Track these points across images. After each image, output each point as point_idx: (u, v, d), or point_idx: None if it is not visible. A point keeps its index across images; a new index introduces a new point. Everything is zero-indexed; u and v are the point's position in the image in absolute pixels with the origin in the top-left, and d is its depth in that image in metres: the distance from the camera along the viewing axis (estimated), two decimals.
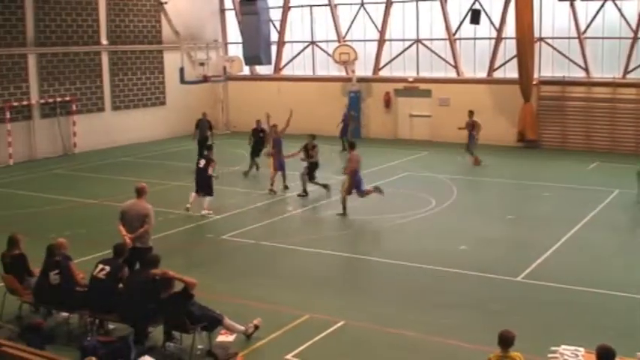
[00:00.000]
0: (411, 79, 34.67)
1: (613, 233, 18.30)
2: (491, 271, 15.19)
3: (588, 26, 30.82)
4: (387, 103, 35.23)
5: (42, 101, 31.16)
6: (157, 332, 11.79)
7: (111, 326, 12.20)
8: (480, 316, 12.83)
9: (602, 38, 30.83)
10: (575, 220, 19.04)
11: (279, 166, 23.47)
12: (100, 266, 12.09)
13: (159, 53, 36.37)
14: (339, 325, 12.46)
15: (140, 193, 13.88)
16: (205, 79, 34.04)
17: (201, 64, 33.89)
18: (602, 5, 30.28)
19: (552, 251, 16.54)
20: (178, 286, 11.42)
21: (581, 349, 9.63)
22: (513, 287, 14.45)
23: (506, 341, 8.79)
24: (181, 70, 33.19)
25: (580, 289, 14.13)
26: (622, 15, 29.92)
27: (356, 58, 35.21)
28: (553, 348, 9.83)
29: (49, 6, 31.31)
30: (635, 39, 29.89)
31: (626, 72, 30.28)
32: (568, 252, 16.63)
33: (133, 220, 13.56)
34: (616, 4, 29.96)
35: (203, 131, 28.01)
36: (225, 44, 39.89)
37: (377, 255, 16.76)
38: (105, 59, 33.84)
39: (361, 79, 35.67)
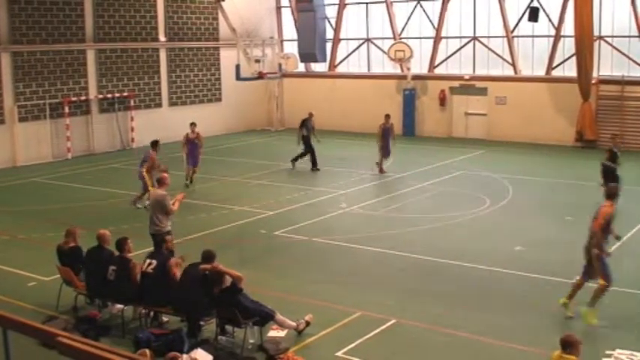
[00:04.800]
0: (467, 77, 34.39)
1: None
2: (545, 272, 14.95)
3: None
4: (442, 101, 35.00)
5: (100, 96, 31.65)
6: (209, 326, 11.89)
7: (164, 319, 12.36)
8: (533, 318, 12.64)
9: None
10: (633, 223, 18.63)
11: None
12: (148, 261, 12.26)
13: (215, 50, 36.71)
14: (390, 323, 12.41)
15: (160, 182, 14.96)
16: (261, 76, 34.22)
17: (257, 61, 34.08)
18: None
19: None
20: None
21: (638, 353, 9.48)
22: (568, 289, 14.20)
23: (565, 345, 8.56)
24: (237, 66, 33.41)
25: (636, 293, 13.87)
26: None
27: (411, 56, 35.06)
28: (608, 352, 9.70)
29: (108, 2, 31.81)
30: None
31: None
32: (624, 255, 16.23)
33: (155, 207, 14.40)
34: None
35: (308, 131, 26.96)
36: (281, 41, 40.05)
37: (429, 254, 16.63)
38: (163, 56, 34.29)
39: (416, 77, 35.51)
